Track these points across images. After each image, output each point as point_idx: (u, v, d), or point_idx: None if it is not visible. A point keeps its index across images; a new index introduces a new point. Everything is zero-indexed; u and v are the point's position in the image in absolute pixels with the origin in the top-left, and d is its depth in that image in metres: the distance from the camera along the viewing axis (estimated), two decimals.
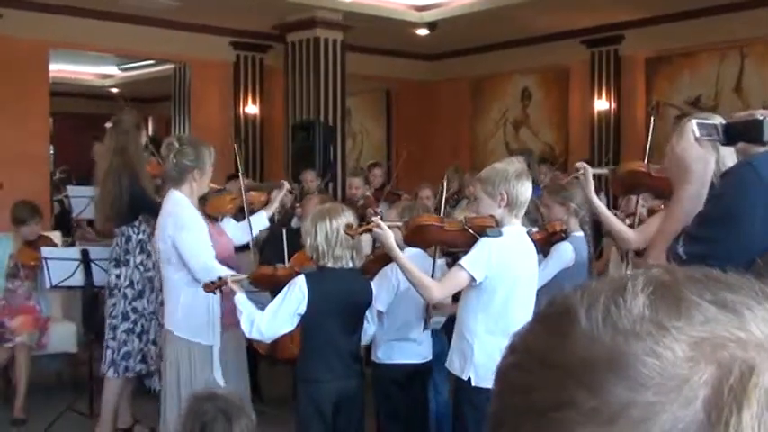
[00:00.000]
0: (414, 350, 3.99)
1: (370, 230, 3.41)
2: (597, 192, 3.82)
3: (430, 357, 4.07)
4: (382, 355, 3.97)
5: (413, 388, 4.03)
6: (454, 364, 3.37)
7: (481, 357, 3.23)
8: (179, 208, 3.97)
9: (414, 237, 3.57)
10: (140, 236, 4.82)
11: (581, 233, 4.23)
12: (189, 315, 3.94)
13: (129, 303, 4.78)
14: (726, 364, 0.47)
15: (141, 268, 4.80)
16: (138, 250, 4.80)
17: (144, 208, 4.81)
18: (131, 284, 4.79)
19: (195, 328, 3.95)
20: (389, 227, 3.39)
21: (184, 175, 4.00)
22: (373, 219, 3.46)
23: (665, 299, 0.51)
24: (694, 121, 2.34)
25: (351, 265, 3.51)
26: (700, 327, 0.49)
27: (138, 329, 4.79)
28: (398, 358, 3.96)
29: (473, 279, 3.22)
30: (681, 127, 2.43)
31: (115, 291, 4.80)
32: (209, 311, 3.94)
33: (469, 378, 3.24)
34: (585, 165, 3.71)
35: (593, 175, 3.74)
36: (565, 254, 4.09)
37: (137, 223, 4.82)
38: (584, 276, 4.13)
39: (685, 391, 0.47)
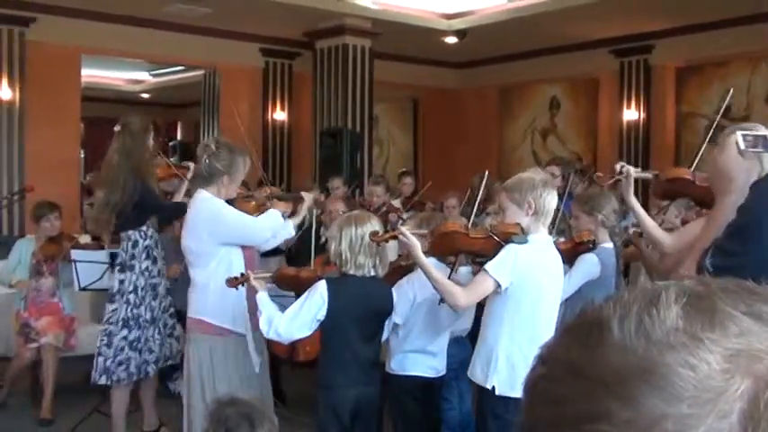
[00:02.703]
0: (428, 363, 3.96)
1: (395, 237, 3.42)
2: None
3: (443, 372, 4.03)
4: (396, 367, 3.95)
5: (426, 401, 4.01)
6: (477, 372, 3.35)
7: (505, 366, 3.21)
8: (208, 203, 3.99)
9: (439, 244, 3.56)
10: (147, 241, 4.78)
11: (610, 244, 4.15)
12: (221, 303, 3.95)
13: (131, 310, 4.73)
14: (762, 376, 0.47)
15: (146, 274, 4.76)
16: (143, 256, 4.76)
17: (152, 210, 4.83)
18: (135, 290, 4.74)
19: (229, 316, 3.97)
20: (414, 235, 3.40)
21: (214, 177, 4.02)
22: (400, 228, 3.46)
23: (699, 310, 0.50)
24: (739, 133, 2.33)
25: (373, 273, 3.51)
26: (735, 339, 0.48)
27: (131, 337, 4.73)
28: (412, 370, 3.93)
29: (498, 285, 3.20)
30: (724, 137, 2.41)
31: (117, 296, 4.74)
32: (240, 301, 3.96)
33: (493, 387, 3.23)
34: (628, 166, 3.65)
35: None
36: (590, 266, 4.01)
37: (144, 228, 4.78)
38: (611, 289, 4.06)
39: (721, 404, 0.46)
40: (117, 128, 4.93)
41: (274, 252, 6.02)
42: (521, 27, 9.80)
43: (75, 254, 5.31)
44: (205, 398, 3.98)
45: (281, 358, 5.46)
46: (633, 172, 3.58)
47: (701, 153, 3.85)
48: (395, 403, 4.04)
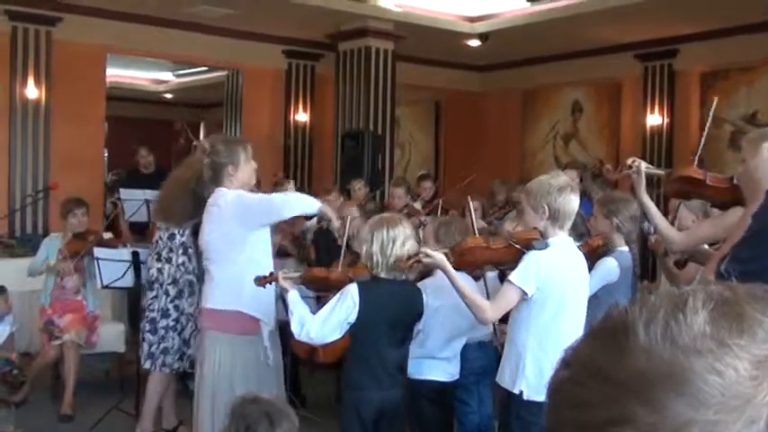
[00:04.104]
0: (441, 368, 3.96)
1: (419, 261, 3.40)
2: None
3: (457, 376, 4.04)
4: (413, 371, 3.93)
5: (441, 404, 4.01)
6: (505, 377, 3.33)
7: (533, 371, 3.20)
8: (229, 194, 4.02)
9: (462, 260, 3.57)
10: (183, 238, 4.86)
11: (626, 248, 4.15)
12: (257, 293, 3.93)
13: (171, 301, 4.83)
14: None
15: (182, 269, 4.84)
16: (180, 251, 4.84)
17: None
18: (174, 282, 4.83)
19: (262, 306, 4.00)
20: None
21: (220, 172, 4.07)
22: (422, 250, 3.42)
23: (726, 316, 0.50)
24: None
25: (404, 276, 3.50)
26: (763, 345, 0.48)
27: (179, 327, 4.84)
28: (427, 374, 3.94)
29: (524, 293, 3.20)
30: (756, 143, 2.41)
31: (155, 285, 4.84)
32: (269, 294, 3.98)
33: (521, 392, 3.21)
34: (639, 161, 3.62)
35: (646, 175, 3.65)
36: (610, 269, 4.02)
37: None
38: (627, 293, 4.07)
39: (749, 410, 0.45)
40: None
41: (287, 254, 6.04)
42: (544, 30, 9.76)
43: (98, 252, 5.36)
44: (215, 397, 4.00)
45: (301, 360, 5.47)
46: (644, 167, 3.55)
47: (701, 146, 3.84)
48: (411, 407, 4.04)
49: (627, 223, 4.11)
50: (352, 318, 3.39)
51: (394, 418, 3.52)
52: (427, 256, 3.32)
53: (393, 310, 3.46)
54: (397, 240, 3.43)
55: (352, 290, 3.40)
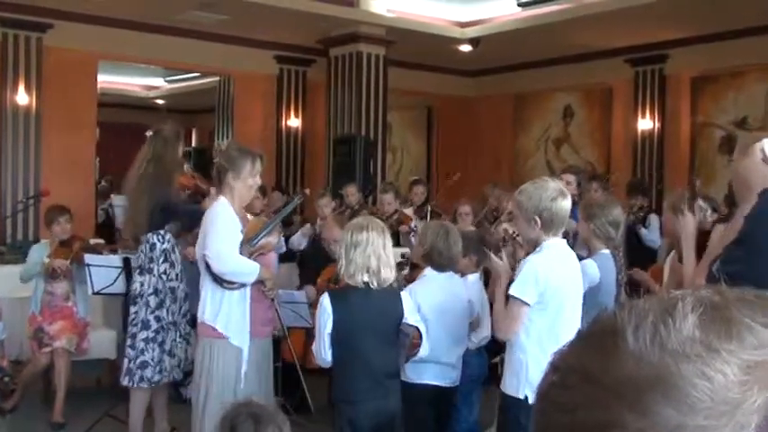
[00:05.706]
0: (444, 373, 3.94)
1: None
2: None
3: (458, 382, 4.03)
4: (411, 374, 3.91)
5: (438, 409, 4.00)
6: (507, 384, 3.32)
7: (536, 375, 3.20)
8: (215, 210, 4.03)
9: None
10: (165, 245, 4.81)
11: (606, 251, 4.13)
12: (229, 313, 3.98)
13: (152, 312, 4.74)
14: None
15: (164, 277, 4.78)
16: (161, 259, 4.79)
17: (175, 215, 4.87)
18: (155, 293, 4.76)
19: (232, 327, 4.00)
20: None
21: (222, 176, 4.08)
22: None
23: (715, 320, 0.50)
24: (766, 141, 2.34)
25: (372, 285, 3.40)
26: (752, 350, 0.48)
27: (159, 339, 4.74)
28: (427, 379, 3.93)
29: (527, 304, 3.20)
30: (751, 145, 2.42)
31: (138, 299, 4.77)
32: (244, 317, 3.99)
33: (526, 396, 3.20)
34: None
35: None
36: (590, 272, 4.01)
37: (162, 232, 4.81)
38: (611, 296, 4.05)
39: (738, 416, 0.45)
40: (149, 133, 4.97)
41: (288, 258, 6.02)
42: (534, 35, 9.79)
43: (88, 258, 5.33)
44: (200, 390, 4.00)
45: (292, 365, 5.45)
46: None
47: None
48: (407, 411, 4.03)
49: (603, 228, 4.09)
50: (329, 328, 3.36)
51: (391, 426, 3.48)
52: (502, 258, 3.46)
53: (368, 315, 3.40)
54: (359, 246, 3.36)
55: (324, 301, 3.40)
